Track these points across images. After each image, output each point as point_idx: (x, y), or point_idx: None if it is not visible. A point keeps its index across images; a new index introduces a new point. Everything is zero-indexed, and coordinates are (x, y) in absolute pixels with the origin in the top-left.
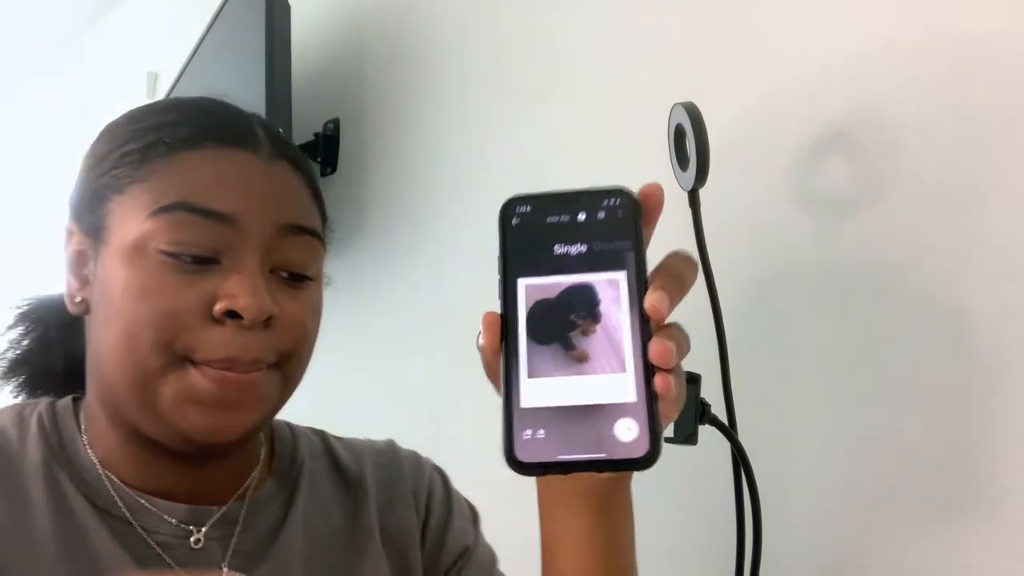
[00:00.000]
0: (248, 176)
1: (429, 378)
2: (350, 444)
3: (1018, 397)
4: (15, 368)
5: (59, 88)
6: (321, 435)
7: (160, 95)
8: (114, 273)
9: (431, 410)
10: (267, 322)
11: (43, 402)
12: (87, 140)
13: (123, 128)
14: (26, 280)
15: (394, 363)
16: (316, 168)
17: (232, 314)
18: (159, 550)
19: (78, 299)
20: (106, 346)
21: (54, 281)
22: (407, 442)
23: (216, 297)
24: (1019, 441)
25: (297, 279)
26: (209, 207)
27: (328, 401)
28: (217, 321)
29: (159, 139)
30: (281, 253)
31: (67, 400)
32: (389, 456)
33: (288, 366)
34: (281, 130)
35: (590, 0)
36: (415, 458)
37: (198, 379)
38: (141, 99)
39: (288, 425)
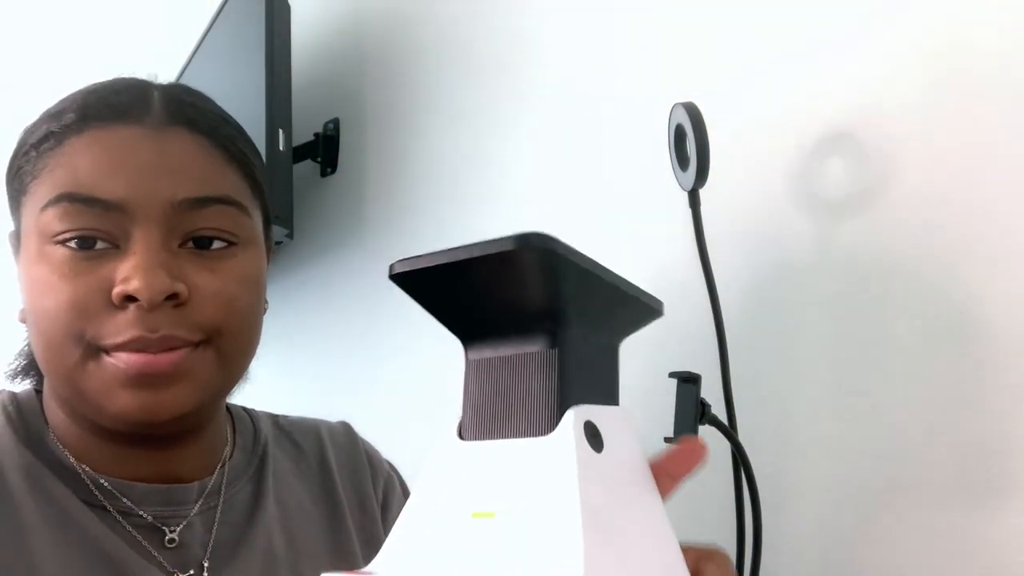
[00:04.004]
0: (132, 154)
1: (429, 378)
2: (300, 423)
3: (1020, 397)
4: (27, 370)
5: (59, 88)
6: (271, 416)
7: None
8: (25, 274)
9: (430, 409)
10: (176, 300)
11: (3, 394)
12: None
13: (27, 127)
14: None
15: (394, 363)
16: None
17: (131, 298)
18: (139, 535)
19: (20, 307)
20: (35, 347)
21: None
22: (406, 441)
23: (113, 283)
24: (1021, 440)
25: (214, 250)
26: (92, 195)
27: (329, 400)
28: (119, 307)
29: (49, 131)
30: (187, 226)
31: (29, 392)
32: (348, 438)
33: (221, 342)
34: (190, 91)
35: (591, 1)
36: (375, 451)
37: (115, 366)
38: None
39: (244, 408)
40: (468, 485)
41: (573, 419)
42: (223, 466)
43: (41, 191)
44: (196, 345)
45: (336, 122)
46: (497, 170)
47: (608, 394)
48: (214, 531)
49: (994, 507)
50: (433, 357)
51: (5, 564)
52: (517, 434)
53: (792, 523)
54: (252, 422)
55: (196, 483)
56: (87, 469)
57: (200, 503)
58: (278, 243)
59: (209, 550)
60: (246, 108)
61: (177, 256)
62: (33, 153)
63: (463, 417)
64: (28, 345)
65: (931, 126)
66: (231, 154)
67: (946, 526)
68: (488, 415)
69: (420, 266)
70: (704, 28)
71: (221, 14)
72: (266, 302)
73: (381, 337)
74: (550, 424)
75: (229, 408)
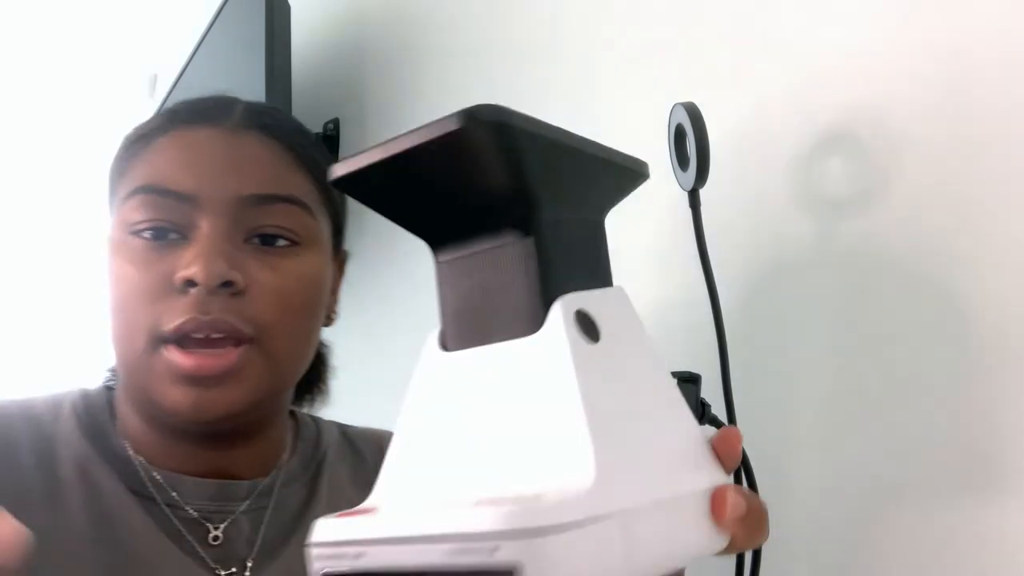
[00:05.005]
0: (207, 151)
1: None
2: (364, 432)
3: (1021, 397)
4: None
5: (59, 88)
6: (339, 426)
7: (160, 95)
8: (109, 267)
9: None
10: (234, 289)
11: (76, 390)
12: (86, 140)
13: (126, 134)
14: (17, 281)
15: (394, 364)
16: None
17: (192, 283)
18: (184, 529)
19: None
20: (110, 335)
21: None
22: None
23: (178, 270)
24: (1021, 440)
25: (278, 248)
26: (167, 187)
27: (331, 401)
28: (181, 292)
29: (140, 135)
30: (252, 221)
31: (99, 388)
32: None
33: (270, 341)
34: (274, 107)
35: (590, 1)
36: None
37: (169, 361)
38: (141, 99)
39: (312, 416)
40: (459, 399)
41: (562, 311)
42: (278, 469)
43: (126, 186)
44: (247, 342)
45: (336, 122)
46: None
47: (597, 275)
48: (262, 531)
49: (994, 507)
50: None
51: (44, 551)
52: (503, 336)
53: (792, 523)
54: (317, 430)
55: (247, 481)
56: (142, 460)
57: (249, 502)
58: None
59: (256, 549)
60: None
61: (240, 249)
62: (125, 155)
63: (443, 326)
64: None
65: (931, 126)
66: (302, 159)
67: (946, 526)
68: (469, 320)
69: (360, 165)
70: (705, 28)
71: (221, 14)
72: (335, 312)
73: (381, 337)
74: (537, 321)
75: (297, 416)
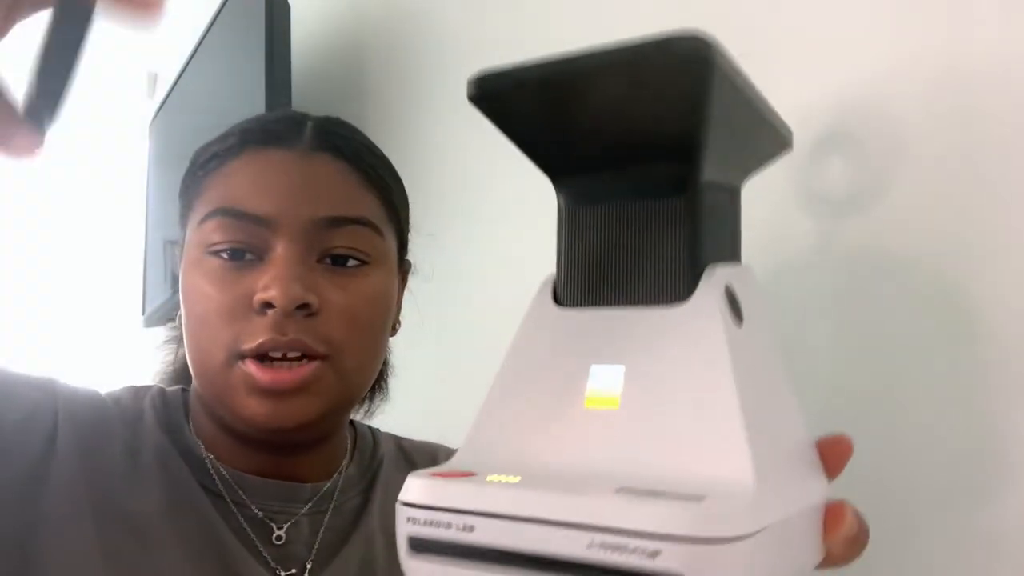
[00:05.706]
0: (281, 175)
1: (430, 380)
2: (421, 445)
3: (1020, 397)
4: (176, 378)
5: None
6: (395, 438)
7: (159, 95)
8: (183, 282)
9: (427, 410)
10: (308, 311)
11: (155, 387)
12: (86, 140)
13: (197, 150)
14: (17, 276)
15: (395, 365)
16: None
17: (269, 305)
18: (248, 528)
19: (179, 311)
20: (186, 348)
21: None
22: None
23: (256, 291)
24: (1021, 440)
25: (348, 268)
26: (244, 210)
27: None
28: (259, 313)
29: (214, 153)
30: (324, 243)
31: (176, 389)
32: None
33: (341, 358)
34: (341, 123)
35: (592, 0)
36: None
37: (250, 372)
38: (141, 99)
39: (369, 427)
40: (579, 362)
41: (713, 283)
42: (339, 475)
43: (201, 208)
44: (321, 359)
45: None
46: (500, 170)
47: (732, 249)
48: (320, 534)
49: (994, 507)
50: (436, 359)
51: (126, 532)
52: (638, 300)
53: None
54: (374, 440)
55: (310, 484)
56: (212, 459)
57: (311, 505)
58: None
59: (314, 551)
60: (246, 108)
61: (313, 270)
62: (200, 172)
63: (560, 277)
64: (177, 353)
65: (931, 126)
66: (370, 180)
67: (945, 526)
68: (596, 276)
69: (519, 78)
70: (704, 28)
71: (221, 14)
72: (398, 323)
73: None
74: (683, 290)
75: (356, 425)
